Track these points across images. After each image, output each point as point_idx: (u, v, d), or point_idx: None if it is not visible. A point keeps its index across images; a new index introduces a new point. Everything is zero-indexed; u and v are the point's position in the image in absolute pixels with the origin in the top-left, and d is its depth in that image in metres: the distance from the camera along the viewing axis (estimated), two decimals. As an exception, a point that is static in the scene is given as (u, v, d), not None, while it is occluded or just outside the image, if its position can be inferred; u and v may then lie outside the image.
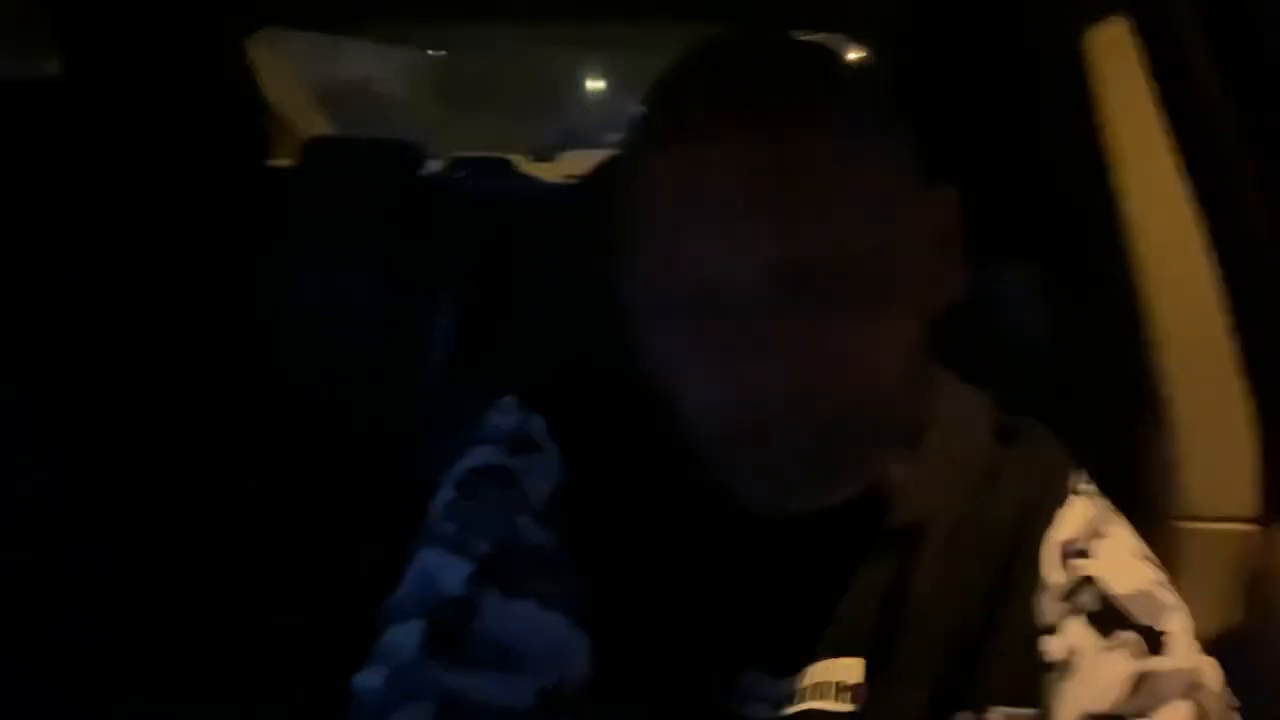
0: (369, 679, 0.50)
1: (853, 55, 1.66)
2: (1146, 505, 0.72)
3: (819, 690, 0.55)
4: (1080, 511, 0.56)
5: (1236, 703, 0.52)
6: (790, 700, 0.55)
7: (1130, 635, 0.51)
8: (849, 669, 0.55)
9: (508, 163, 1.90)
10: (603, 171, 0.78)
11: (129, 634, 1.17)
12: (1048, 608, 0.54)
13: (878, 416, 0.50)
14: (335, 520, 1.31)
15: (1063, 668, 0.52)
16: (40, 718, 1.08)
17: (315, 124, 1.83)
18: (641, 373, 0.54)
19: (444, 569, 0.53)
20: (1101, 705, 0.50)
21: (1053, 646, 0.53)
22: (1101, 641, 0.51)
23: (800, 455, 0.49)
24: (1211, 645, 0.53)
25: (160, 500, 1.28)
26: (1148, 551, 0.57)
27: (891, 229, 0.48)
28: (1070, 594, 0.53)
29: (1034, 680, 0.53)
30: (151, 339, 1.33)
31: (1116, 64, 0.85)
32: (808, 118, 0.47)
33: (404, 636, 0.50)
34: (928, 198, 0.52)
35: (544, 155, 3.59)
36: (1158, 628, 0.52)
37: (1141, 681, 0.50)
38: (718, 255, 0.47)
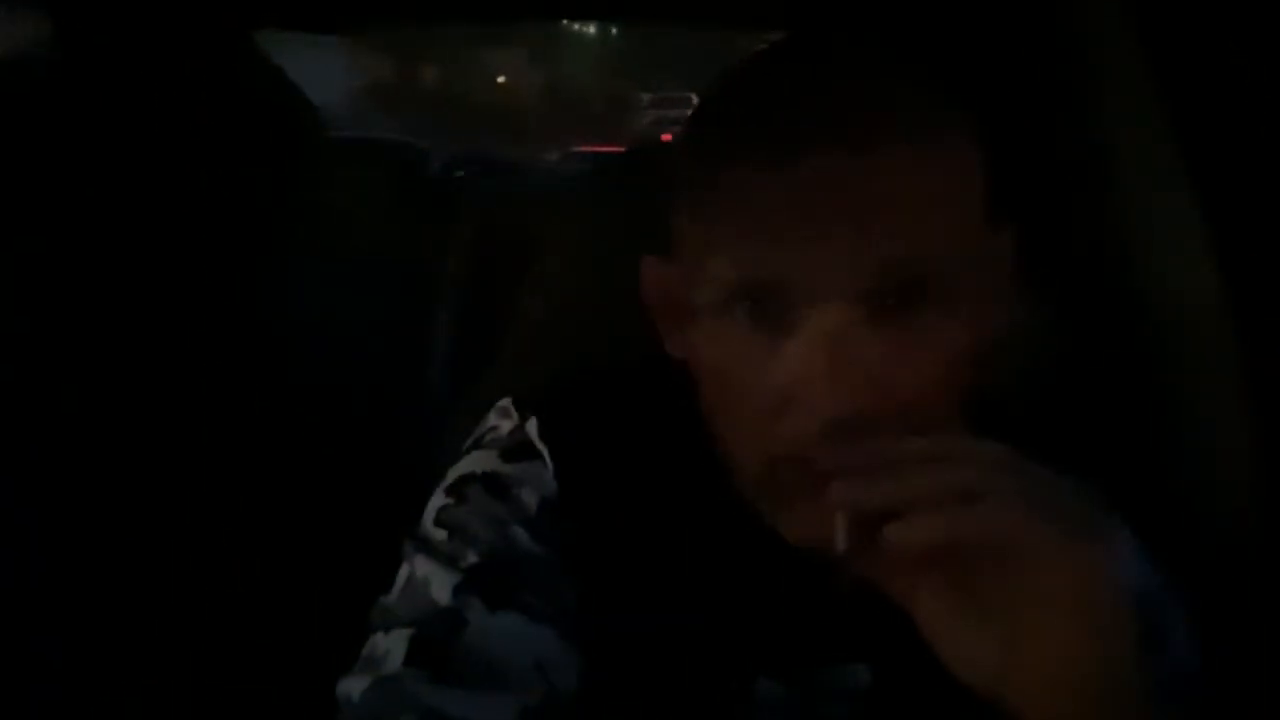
0: (352, 687, 0.50)
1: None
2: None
3: (827, 697, 0.54)
4: None
5: None
6: (799, 708, 0.54)
7: None
8: (857, 676, 0.54)
9: (510, 162, 1.90)
10: (616, 172, 0.76)
11: (121, 631, 1.17)
12: None
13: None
14: (331, 520, 1.31)
15: None
16: (35, 715, 1.08)
17: (314, 124, 1.83)
18: (650, 379, 0.53)
19: (433, 578, 0.52)
20: None
21: None
22: None
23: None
24: None
25: (157, 499, 1.27)
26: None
27: (958, 250, 0.47)
28: None
29: None
30: (150, 337, 1.33)
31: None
32: (888, 130, 0.46)
33: (390, 645, 0.50)
34: (993, 223, 0.51)
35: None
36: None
37: None
38: (791, 269, 0.46)
